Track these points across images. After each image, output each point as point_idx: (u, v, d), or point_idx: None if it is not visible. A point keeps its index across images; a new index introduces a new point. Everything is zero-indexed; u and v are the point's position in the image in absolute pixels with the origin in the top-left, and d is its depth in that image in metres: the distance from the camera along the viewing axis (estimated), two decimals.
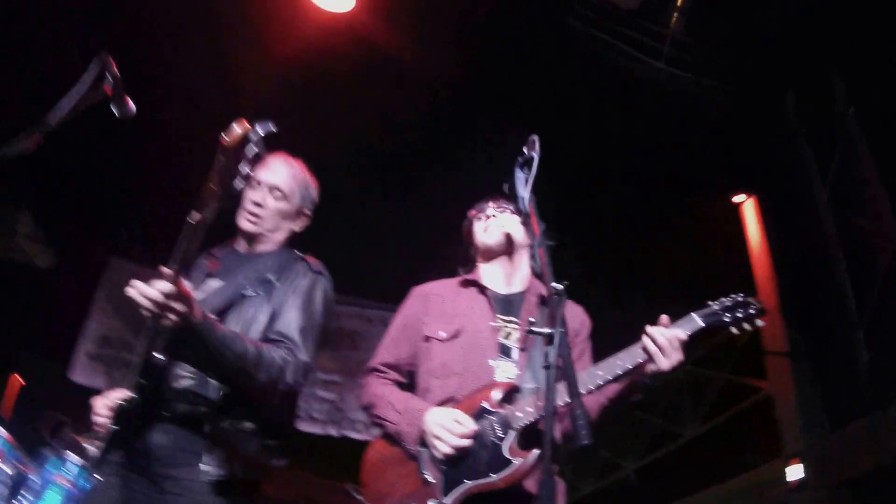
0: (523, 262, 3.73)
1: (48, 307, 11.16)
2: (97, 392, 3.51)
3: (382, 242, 9.15)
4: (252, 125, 2.88)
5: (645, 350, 3.07)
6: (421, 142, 8.37)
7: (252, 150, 2.89)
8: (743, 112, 6.88)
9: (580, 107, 7.44)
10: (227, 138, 2.85)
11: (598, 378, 3.11)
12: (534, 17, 6.75)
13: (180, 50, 7.69)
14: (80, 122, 3.12)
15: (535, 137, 3.11)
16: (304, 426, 10.30)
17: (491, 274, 3.75)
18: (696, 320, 3.13)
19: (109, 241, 10.94)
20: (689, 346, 3.10)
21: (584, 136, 7.63)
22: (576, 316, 3.67)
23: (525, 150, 3.12)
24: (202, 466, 3.15)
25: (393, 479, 3.33)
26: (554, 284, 2.73)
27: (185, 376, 3.28)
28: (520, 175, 3.13)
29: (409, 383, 3.70)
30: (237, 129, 2.85)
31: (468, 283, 3.74)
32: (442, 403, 3.36)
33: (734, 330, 3.13)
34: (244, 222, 3.65)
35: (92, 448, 3.35)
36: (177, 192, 7.19)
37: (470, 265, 3.87)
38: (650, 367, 3.08)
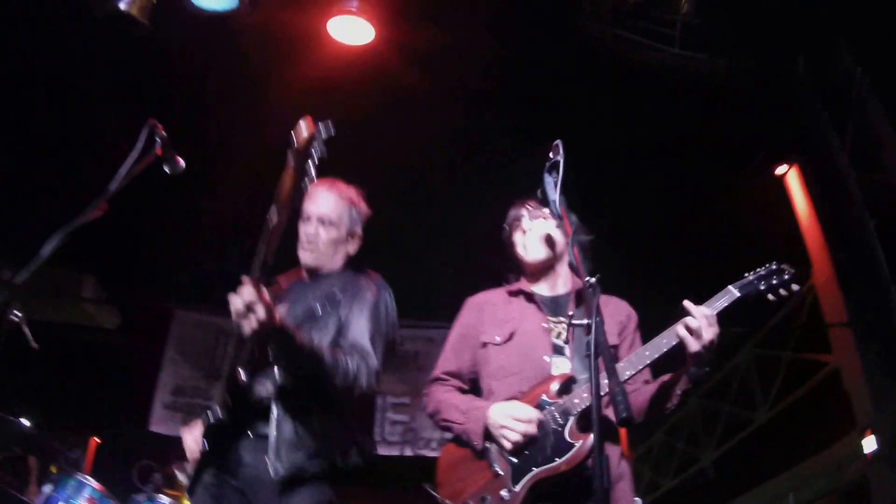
0: (565, 263, 3.88)
1: (118, 365, 11.47)
2: (176, 440, 3.83)
3: (430, 263, 9.31)
4: (316, 126, 3.09)
5: (678, 335, 3.21)
6: (450, 161, 8.53)
7: (318, 149, 3.11)
8: (761, 84, 6.92)
9: (604, 103, 7.54)
10: (295, 139, 3.08)
11: (644, 358, 3.28)
12: (547, 22, 6.88)
13: (218, 103, 8.01)
14: (134, 184, 3.39)
15: (559, 142, 3.28)
16: (380, 450, 10.50)
17: (536, 279, 3.91)
18: (733, 291, 3.27)
19: (171, 294, 11.23)
20: (725, 318, 3.22)
21: (611, 132, 7.73)
22: (621, 310, 3.81)
23: (551, 154, 3.28)
24: (270, 468, 3.35)
25: (465, 476, 3.52)
26: (587, 279, 2.88)
27: (265, 392, 3.52)
28: (548, 179, 3.30)
29: (470, 390, 3.88)
30: (304, 130, 3.08)
31: (516, 293, 3.90)
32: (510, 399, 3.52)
33: (770, 296, 3.26)
34: (303, 255, 3.88)
35: (183, 478, 3.67)
36: (230, 238, 7.44)
37: (517, 271, 4.02)
38: (691, 346, 3.18)
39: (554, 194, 3.26)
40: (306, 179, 3.13)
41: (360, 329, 3.62)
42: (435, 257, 9.27)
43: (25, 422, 6.09)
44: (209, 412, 3.50)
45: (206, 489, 3.52)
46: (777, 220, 8.38)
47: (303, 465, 3.41)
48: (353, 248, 4.01)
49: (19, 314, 2.91)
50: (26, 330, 3.08)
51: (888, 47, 6.24)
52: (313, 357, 3.35)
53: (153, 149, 3.45)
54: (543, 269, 3.87)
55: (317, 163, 3.13)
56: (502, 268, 4.06)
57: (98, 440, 6.40)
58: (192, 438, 3.71)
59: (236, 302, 3.06)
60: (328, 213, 3.91)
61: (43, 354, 3.85)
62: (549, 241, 3.79)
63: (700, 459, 11.61)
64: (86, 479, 5.58)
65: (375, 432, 10.64)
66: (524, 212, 3.90)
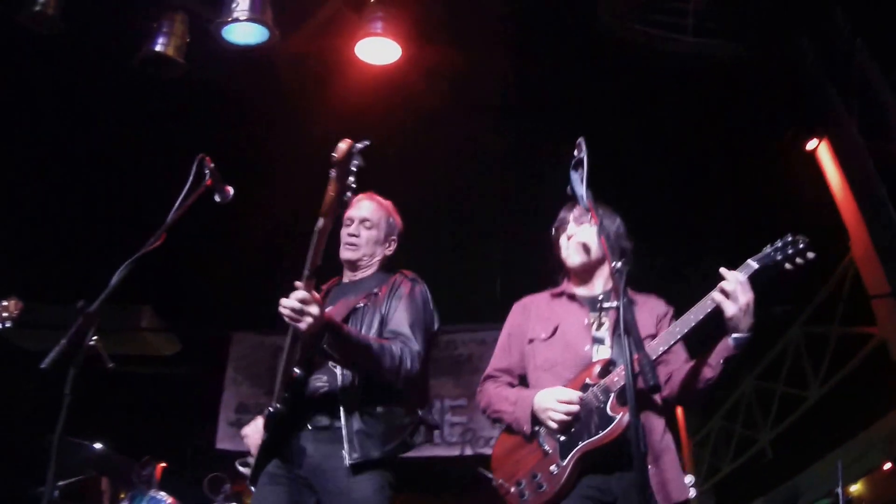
0: (604, 265, 4.04)
1: (181, 390, 11.77)
2: (243, 455, 4.19)
3: (479, 271, 9.50)
4: (354, 142, 3.36)
5: (713, 299, 3.39)
6: (486, 172, 8.70)
7: (356, 162, 3.37)
8: (773, 64, 7.01)
9: (628, 98, 7.67)
10: (335, 154, 3.34)
11: (675, 334, 3.49)
12: (565, 27, 7.01)
13: (259, 130, 8.30)
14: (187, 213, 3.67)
15: (582, 139, 3.53)
16: (441, 451, 10.77)
17: (580, 281, 4.13)
18: (752, 264, 3.43)
19: (227, 317, 11.51)
20: (754, 286, 3.39)
21: (639, 124, 7.87)
22: (659, 305, 4.02)
23: (575, 152, 3.53)
24: (344, 454, 3.65)
25: (518, 459, 3.79)
26: (614, 264, 3.17)
27: (320, 384, 3.85)
28: (575, 175, 3.55)
29: (520, 385, 4.12)
30: (342, 145, 3.35)
31: (559, 295, 4.14)
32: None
33: (787, 266, 3.39)
34: (346, 252, 4.24)
35: (246, 470, 4.02)
36: (279, 259, 7.69)
37: (562, 271, 4.23)
38: (728, 309, 3.37)
39: (581, 189, 3.51)
40: (348, 192, 3.39)
41: (399, 319, 3.96)
42: (483, 266, 9.46)
43: (97, 445, 6.37)
44: (269, 408, 3.76)
45: (270, 478, 3.84)
46: (812, 196, 8.40)
47: (374, 452, 3.70)
48: (389, 251, 4.36)
49: (95, 338, 3.17)
50: (103, 352, 3.36)
51: (884, 14, 6.34)
52: (361, 348, 3.67)
53: (204, 180, 3.74)
54: (584, 272, 4.08)
55: (355, 174, 3.38)
56: (550, 267, 4.27)
57: (165, 464, 6.66)
58: (253, 431, 4.06)
59: (290, 303, 3.36)
60: (369, 216, 4.29)
61: (108, 385, 4.14)
62: (586, 248, 4.00)
63: (757, 441, 11.64)
64: (159, 494, 5.86)
65: (435, 435, 10.85)
66: (570, 216, 4.10)
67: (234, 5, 6.34)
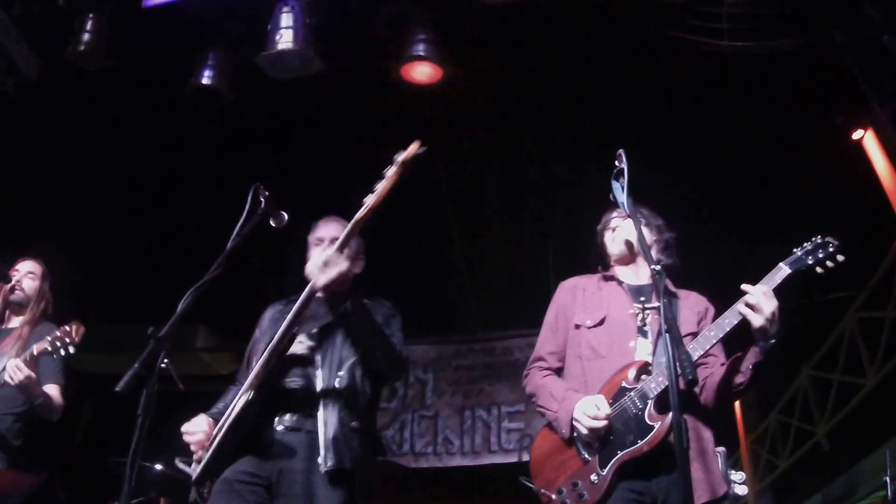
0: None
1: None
2: None
3: (534, 275, 9.56)
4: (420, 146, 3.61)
5: (740, 313, 3.48)
6: (544, 177, 8.80)
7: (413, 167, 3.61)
8: (811, 61, 7.03)
9: (676, 98, 7.73)
10: (404, 154, 3.60)
11: (710, 339, 3.57)
12: (607, 38, 7.10)
13: (309, 154, 8.49)
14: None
15: (622, 151, 3.68)
16: (498, 458, 10.88)
17: (624, 270, 4.25)
18: (784, 268, 3.51)
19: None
20: (783, 292, 3.46)
21: (688, 123, 7.94)
22: (700, 302, 4.12)
23: (616, 163, 3.70)
24: (320, 460, 3.74)
25: (558, 464, 3.88)
26: (653, 266, 3.31)
27: (296, 385, 3.95)
28: (616, 185, 3.73)
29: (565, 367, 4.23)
30: (413, 147, 3.60)
31: (607, 278, 4.25)
32: (591, 381, 3.89)
33: (819, 270, 3.47)
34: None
35: (186, 467, 4.07)
36: None
37: (606, 265, 4.37)
38: (754, 321, 3.44)
39: (622, 198, 3.69)
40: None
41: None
42: (536, 271, 9.53)
43: (158, 466, 6.54)
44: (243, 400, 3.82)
45: (229, 485, 3.82)
46: (863, 183, 8.40)
47: (348, 462, 3.79)
48: (358, 268, 4.39)
49: (167, 361, 3.33)
50: (174, 374, 3.53)
51: None
52: (375, 322, 3.89)
53: (259, 207, 3.93)
54: (627, 261, 4.22)
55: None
56: (595, 263, 4.41)
57: None
58: (197, 427, 4.03)
59: (321, 256, 3.63)
60: (337, 234, 4.26)
61: (167, 406, 4.30)
62: (629, 242, 4.15)
63: (814, 433, 11.55)
64: None
65: (492, 442, 10.97)
66: (615, 214, 4.28)
67: (277, 37, 6.51)
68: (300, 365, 4.01)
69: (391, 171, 3.65)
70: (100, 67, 7.07)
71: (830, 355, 11.09)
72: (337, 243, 3.72)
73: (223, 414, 4.06)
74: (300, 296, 4.10)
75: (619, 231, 4.23)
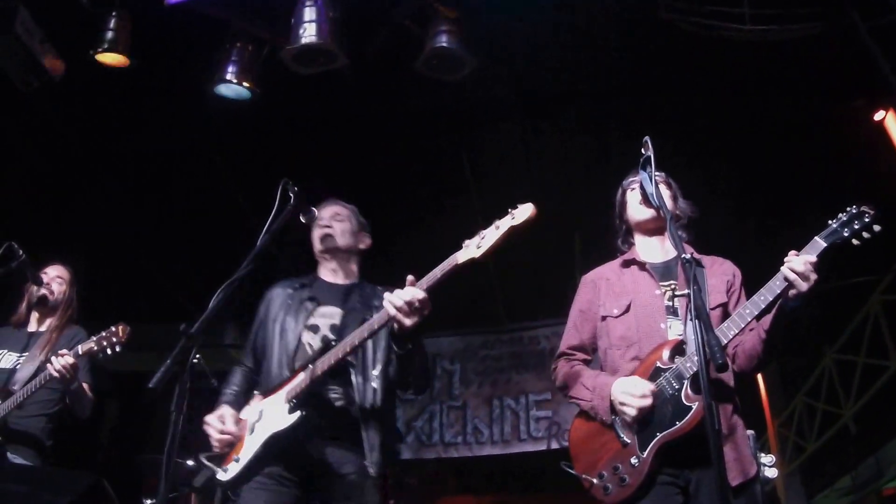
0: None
1: None
2: None
3: (560, 263, 9.57)
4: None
5: (786, 278, 3.41)
6: (569, 164, 8.79)
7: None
8: (833, 43, 7.00)
9: (697, 94, 7.74)
10: (518, 217, 3.63)
11: (746, 316, 3.54)
12: (629, 26, 7.12)
13: (331, 149, 8.55)
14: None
15: (647, 138, 3.67)
16: (528, 447, 10.90)
17: (646, 246, 4.17)
18: (819, 242, 3.43)
19: None
20: (821, 266, 3.40)
21: (709, 117, 7.92)
22: (727, 269, 4.05)
23: (642, 150, 3.69)
24: (367, 464, 3.83)
25: (597, 448, 3.84)
26: (683, 256, 3.28)
27: (336, 395, 4.01)
28: (643, 174, 3.72)
29: (593, 360, 4.21)
30: (529, 213, 3.63)
31: (628, 263, 4.18)
32: (625, 371, 3.86)
33: (855, 241, 3.39)
34: (321, 244, 4.50)
35: (215, 466, 4.09)
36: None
37: (627, 240, 4.30)
38: (792, 292, 3.41)
39: (650, 187, 3.69)
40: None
41: None
42: (562, 259, 9.54)
43: (189, 462, 6.60)
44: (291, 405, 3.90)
45: (264, 482, 3.91)
46: (884, 166, 8.33)
47: (388, 464, 3.92)
48: (364, 244, 4.55)
49: (199, 358, 3.37)
50: (206, 371, 3.59)
51: None
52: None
53: (288, 203, 3.96)
54: (651, 231, 4.15)
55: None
56: (615, 236, 4.36)
57: None
58: (222, 425, 4.11)
59: (409, 295, 3.60)
60: (338, 210, 4.53)
61: (197, 403, 4.33)
62: (650, 204, 3.97)
63: (841, 416, 11.53)
64: None
65: (521, 430, 11.01)
66: (636, 177, 4.08)
67: (301, 31, 6.52)
68: (338, 375, 4.04)
69: (500, 231, 3.67)
70: (123, 66, 7.11)
71: (855, 338, 11.06)
72: (427, 284, 3.68)
73: (241, 402, 4.21)
74: (315, 282, 4.41)
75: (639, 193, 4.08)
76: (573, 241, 9.62)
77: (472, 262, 3.66)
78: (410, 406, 11.63)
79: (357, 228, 4.56)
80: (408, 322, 3.60)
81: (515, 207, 3.65)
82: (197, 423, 4.20)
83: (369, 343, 4.05)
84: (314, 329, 4.20)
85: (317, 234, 4.49)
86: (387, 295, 3.65)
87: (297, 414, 3.82)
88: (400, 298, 3.60)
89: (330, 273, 4.50)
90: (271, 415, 3.94)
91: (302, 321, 4.24)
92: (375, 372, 4.05)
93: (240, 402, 4.25)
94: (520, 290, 10.57)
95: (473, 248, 3.65)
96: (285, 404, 3.90)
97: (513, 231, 3.61)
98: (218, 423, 4.11)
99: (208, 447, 4.16)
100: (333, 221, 4.47)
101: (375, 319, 3.79)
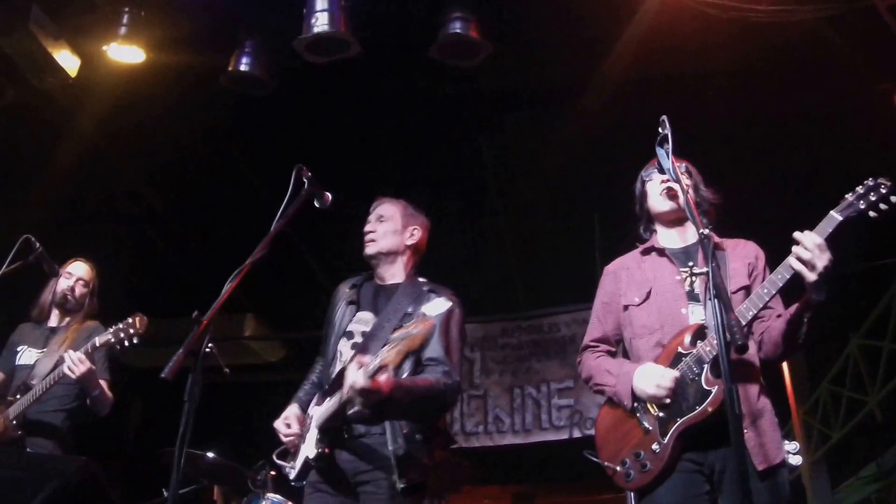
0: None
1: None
2: None
3: (579, 249, 9.53)
4: None
5: (798, 258, 3.35)
6: (588, 152, 8.76)
7: None
8: (849, 25, 6.93)
9: (717, 78, 7.69)
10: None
11: (763, 296, 3.51)
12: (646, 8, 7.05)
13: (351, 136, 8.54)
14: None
15: (664, 117, 3.64)
16: (549, 436, 10.85)
17: (667, 234, 4.15)
18: (835, 216, 3.37)
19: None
20: (834, 244, 3.35)
21: (730, 101, 7.86)
22: (750, 251, 4.00)
23: (659, 129, 3.66)
24: (395, 478, 3.80)
25: (620, 436, 3.84)
26: (701, 231, 3.27)
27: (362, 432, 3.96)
28: (661, 151, 3.68)
29: (618, 351, 4.21)
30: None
31: (648, 251, 4.16)
32: (649, 358, 3.84)
33: (872, 214, 3.34)
34: (366, 250, 4.41)
35: (285, 464, 4.16)
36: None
37: (648, 228, 4.28)
38: (807, 276, 3.35)
39: (668, 164, 3.65)
40: None
41: (438, 346, 4.03)
42: (582, 245, 9.50)
43: (210, 454, 6.61)
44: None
45: (314, 488, 3.99)
46: None
47: (419, 478, 3.89)
48: (413, 238, 4.47)
49: (211, 345, 3.34)
50: (220, 360, 3.57)
51: None
52: (415, 399, 3.84)
53: (302, 189, 3.94)
54: (673, 221, 4.12)
55: None
56: (638, 227, 4.33)
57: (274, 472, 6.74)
58: (287, 421, 4.17)
59: (358, 380, 3.52)
60: (383, 211, 4.46)
61: (216, 395, 4.33)
62: (673, 195, 3.99)
63: (867, 403, 11.43)
64: (276, 497, 6.05)
65: (543, 419, 10.97)
66: (655, 167, 4.06)
67: (313, 20, 6.50)
68: None
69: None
70: (139, 61, 7.14)
71: (880, 323, 10.95)
72: (371, 370, 3.54)
73: (308, 401, 4.25)
74: (364, 283, 4.42)
75: (665, 185, 4.05)
76: (593, 226, 9.57)
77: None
78: None
79: (403, 225, 4.47)
80: (358, 402, 3.62)
81: None
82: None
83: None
84: (349, 336, 4.22)
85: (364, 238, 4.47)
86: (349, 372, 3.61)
87: (317, 452, 3.91)
88: (348, 380, 3.60)
89: (378, 274, 4.47)
90: (312, 430, 4.03)
91: (343, 326, 4.27)
92: (403, 374, 3.97)
93: (308, 402, 4.29)
94: (539, 277, 10.55)
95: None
96: (315, 429, 3.99)
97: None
98: (283, 426, 4.18)
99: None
100: (378, 224, 4.44)
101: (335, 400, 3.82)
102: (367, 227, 4.44)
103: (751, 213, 4.29)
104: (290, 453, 4.20)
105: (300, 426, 4.15)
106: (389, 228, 4.42)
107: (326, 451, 3.89)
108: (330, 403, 3.90)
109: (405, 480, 3.81)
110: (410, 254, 4.46)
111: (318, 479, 3.99)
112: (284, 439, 4.16)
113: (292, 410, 4.24)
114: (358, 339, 4.14)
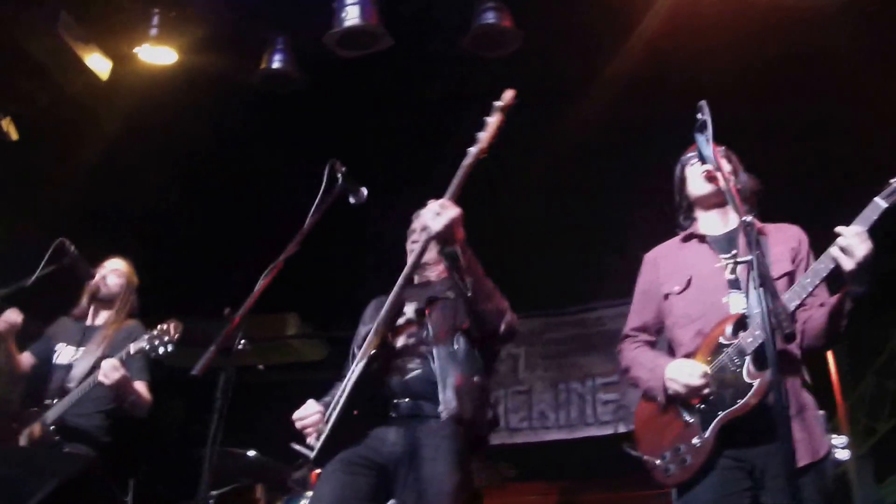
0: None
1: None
2: None
3: (624, 243, 9.43)
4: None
5: (840, 247, 3.29)
6: (631, 144, 8.67)
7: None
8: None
9: (755, 64, 7.57)
10: (503, 101, 3.90)
11: (807, 286, 3.42)
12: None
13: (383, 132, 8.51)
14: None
15: (703, 102, 3.55)
16: (593, 431, 10.76)
17: (708, 219, 4.07)
18: (879, 203, 3.31)
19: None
20: (876, 231, 3.29)
21: (766, 86, 7.74)
22: (792, 235, 3.92)
23: (698, 115, 3.56)
24: (440, 409, 3.78)
25: (659, 429, 3.76)
26: (743, 218, 3.18)
27: (413, 366, 3.97)
28: (700, 138, 3.59)
29: (659, 341, 4.14)
30: (509, 93, 3.91)
31: (688, 238, 4.10)
32: (689, 350, 3.77)
33: None
34: (409, 256, 4.32)
35: (304, 450, 3.99)
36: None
37: (688, 216, 4.22)
38: (846, 265, 3.28)
39: (707, 151, 3.57)
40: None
41: None
42: (626, 239, 9.40)
43: (251, 453, 6.59)
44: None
45: (345, 466, 3.84)
46: None
47: (468, 409, 3.84)
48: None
49: (244, 342, 3.31)
50: (252, 356, 3.54)
51: None
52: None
53: (336, 184, 3.89)
54: (714, 205, 4.05)
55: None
56: (678, 215, 4.28)
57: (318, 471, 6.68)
58: (309, 412, 4.08)
59: (431, 206, 3.64)
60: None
61: (259, 394, 4.30)
62: (713, 178, 3.91)
63: None
64: None
65: (588, 414, 10.88)
66: (695, 153, 4.02)
67: (343, 14, 6.47)
68: (412, 348, 4.04)
69: (493, 119, 3.77)
70: (171, 62, 7.17)
71: None
72: (449, 191, 3.73)
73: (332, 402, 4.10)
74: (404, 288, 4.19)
75: (705, 169, 3.97)
76: (633, 220, 9.45)
77: (483, 153, 3.82)
78: None
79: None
80: (437, 225, 3.62)
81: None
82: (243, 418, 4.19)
83: (449, 313, 4.08)
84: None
85: (408, 246, 4.48)
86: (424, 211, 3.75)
87: (366, 359, 3.85)
88: (427, 208, 3.69)
89: (419, 277, 4.48)
90: (350, 379, 3.92)
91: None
92: (455, 334, 4.02)
93: (329, 400, 4.22)
94: (584, 272, 10.45)
95: (476, 146, 3.79)
96: (359, 363, 3.89)
97: (503, 113, 3.87)
98: (302, 412, 4.09)
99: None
100: (423, 234, 4.35)
101: (417, 245, 3.88)
102: (413, 238, 4.43)
103: (783, 207, 4.17)
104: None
105: (320, 411, 4.05)
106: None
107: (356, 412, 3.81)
108: (371, 332, 3.94)
109: (454, 407, 3.76)
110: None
111: (351, 457, 3.87)
112: (303, 423, 4.04)
113: (312, 402, 4.16)
114: (411, 315, 4.13)
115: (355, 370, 3.84)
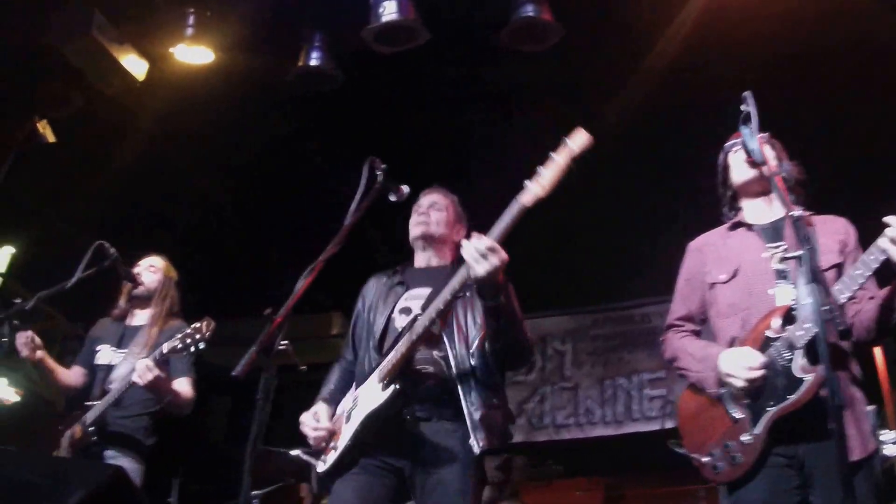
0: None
1: None
2: None
3: (668, 240, 9.32)
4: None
5: (890, 239, 3.20)
6: (673, 142, 8.57)
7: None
8: None
9: (802, 56, 7.46)
10: (575, 143, 3.58)
11: (857, 278, 3.33)
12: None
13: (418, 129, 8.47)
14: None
15: (749, 93, 3.45)
16: (640, 426, 10.72)
17: (753, 208, 3.98)
18: None
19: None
20: None
21: (813, 79, 7.63)
22: (839, 228, 3.81)
23: (742, 107, 3.48)
24: (472, 443, 3.68)
25: (706, 424, 3.67)
26: (791, 213, 3.11)
27: (426, 366, 3.92)
28: (745, 130, 3.51)
29: (704, 330, 4.04)
30: (584, 138, 3.59)
31: (735, 226, 4.00)
32: (733, 341, 3.67)
33: None
34: (415, 231, 4.37)
35: (311, 459, 4.06)
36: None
37: (733, 206, 4.13)
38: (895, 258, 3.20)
39: (753, 143, 3.50)
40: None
41: None
42: (670, 236, 9.30)
43: (294, 452, 6.60)
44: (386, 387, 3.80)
45: (362, 468, 3.85)
46: None
47: (496, 441, 3.76)
48: (459, 235, 4.38)
49: (285, 343, 3.28)
50: (293, 356, 3.51)
51: None
52: (519, 314, 3.78)
53: (376, 182, 3.84)
54: (758, 193, 3.96)
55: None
56: (722, 205, 4.20)
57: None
58: (315, 420, 4.08)
59: (480, 243, 3.45)
60: (437, 200, 4.44)
61: (304, 394, 4.27)
62: (754, 164, 3.80)
63: None
64: None
65: (634, 410, 10.80)
66: (739, 140, 3.83)
67: (381, 9, 6.44)
68: (427, 348, 3.96)
69: (559, 160, 3.55)
70: (208, 61, 7.20)
71: None
72: (496, 230, 3.54)
73: (337, 398, 4.18)
74: (406, 269, 4.37)
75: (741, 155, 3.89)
76: (680, 216, 9.35)
77: (538, 201, 3.52)
78: (521, 388, 11.46)
79: (455, 219, 4.47)
80: (480, 270, 3.43)
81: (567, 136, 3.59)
82: (287, 417, 4.16)
83: (464, 317, 4.01)
84: (406, 311, 4.11)
85: (413, 220, 4.41)
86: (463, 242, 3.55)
87: (392, 388, 3.75)
88: (470, 245, 3.46)
89: (423, 260, 4.42)
90: (366, 398, 3.89)
91: (391, 304, 4.20)
92: (473, 343, 3.94)
93: (336, 399, 4.22)
94: (630, 270, 10.37)
95: (536, 186, 3.51)
96: (378, 384, 3.83)
97: (572, 160, 3.53)
98: (312, 420, 4.08)
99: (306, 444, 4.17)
100: (431, 210, 4.40)
101: (455, 279, 3.68)
102: (421, 210, 4.40)
103: (828, 197, 4.08)
104: (318, 451, 4.09)
105: (330, 421, 4.07)
106: (443, 218, 4.39)
107: (397, 386, 3.76)
108: (392, 355, 3.85)
109: (484, 444, 3.69)
110: (454, 246, 4.36)
111: (363, 466, 3.87)
112: (314, 434, 4.03)
113: (321, 406, 4.17)
114: (417, 311, 4.01)
115: (373, 397, 3.84)
